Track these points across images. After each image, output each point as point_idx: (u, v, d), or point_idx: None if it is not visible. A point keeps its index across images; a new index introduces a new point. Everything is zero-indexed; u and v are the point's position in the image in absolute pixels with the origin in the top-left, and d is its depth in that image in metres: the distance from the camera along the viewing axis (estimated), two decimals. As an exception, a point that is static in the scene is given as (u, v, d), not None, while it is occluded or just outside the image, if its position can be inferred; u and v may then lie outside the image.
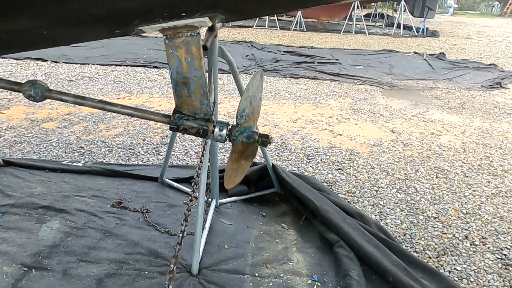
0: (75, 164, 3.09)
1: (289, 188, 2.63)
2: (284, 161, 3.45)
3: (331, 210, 2.44)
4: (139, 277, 1.95)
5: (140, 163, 3.25)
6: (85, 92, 5.15)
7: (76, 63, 6.63)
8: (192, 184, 1.41)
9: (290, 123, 4.41)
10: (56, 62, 6.67)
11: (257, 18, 14.51)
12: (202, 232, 2.25)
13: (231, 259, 2.14)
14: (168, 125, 1.08)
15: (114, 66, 6.69)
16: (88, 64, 6.67)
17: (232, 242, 2.29)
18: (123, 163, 3.21)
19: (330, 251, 2.22)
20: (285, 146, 3.75)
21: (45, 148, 3.42)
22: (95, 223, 2.36)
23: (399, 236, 2.45)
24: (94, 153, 3.38)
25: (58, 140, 3.60)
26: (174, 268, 1.15)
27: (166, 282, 1.12)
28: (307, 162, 3.45)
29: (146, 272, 1.99)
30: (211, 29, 1.66)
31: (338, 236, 2.26)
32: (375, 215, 2.67)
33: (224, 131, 1.12)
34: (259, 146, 1.21)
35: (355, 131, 4.26)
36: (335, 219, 2.35)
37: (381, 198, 2.88)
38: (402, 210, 2.74)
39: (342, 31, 13.72)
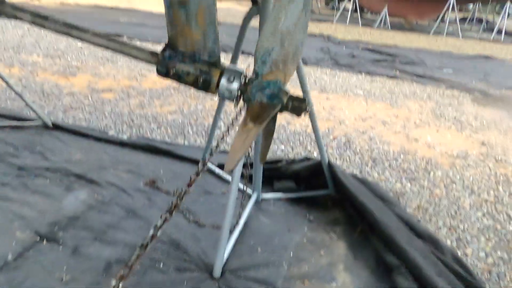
0: (119, 136, 2.94)
1: (345, 192, 2.20)
2: (345, 161, 2.99)
3: (395, 226, 1.97)
4: (152, 269, 1.67)
5: (186, 143, 3.02)
6: (150, 68, 5.10)
7: (148, 41, 6.69)
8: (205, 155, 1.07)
9: (359, 121, 3.90)
10: (131, 38, 6.79)
11: (339, 13, 13.84)
12: (233, 228, 1.93)
13: (263, 266, 1.77)
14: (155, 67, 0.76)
15: (184, 47, 6.63)
16: (160, 43, 6.68)
17: (267, 245, 1.92)
18: (169, 141, 3.00)
19: (387, 278, 1.76)
20: (349, 145, 3.28)
21: (97, 117, 3.34)
22: (122, 200, 2.15)
23: (482, 273, 1.90)
24: (143, 127, 3.22)
25: (112, 110, 3.50)
26: (132, 266, 0.82)
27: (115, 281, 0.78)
28: (372, 166, 2.95)
29: (161, 265, 1.70)
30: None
31: (399, 261, 1.78)
32: (451, 241, 2.13)
33: (235, 84, 0.75)
34: (308, 117, 0.84)
35: (436, 138, 3.64)
36: (399, 238, 1.88)
37: (461, 221, 2.32)
38: (489, 240, 2.16)
39: (432, 32, 12.54)
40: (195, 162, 2.64)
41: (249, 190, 2.28)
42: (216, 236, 1.90)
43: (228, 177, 2.48)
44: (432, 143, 3.49)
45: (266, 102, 0.75)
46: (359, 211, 2.10)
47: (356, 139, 3.43)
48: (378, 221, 1.96)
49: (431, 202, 2.51)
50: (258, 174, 2.18)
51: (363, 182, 2.34)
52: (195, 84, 0.73)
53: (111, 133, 2.98)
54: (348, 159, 3.02)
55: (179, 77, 0.75)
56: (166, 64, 0.75)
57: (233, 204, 1.67)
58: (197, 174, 0.97)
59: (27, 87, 3.88)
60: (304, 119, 3.77)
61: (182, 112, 3.63)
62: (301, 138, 3.32)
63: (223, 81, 0.74)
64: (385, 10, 12.93)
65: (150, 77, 4.67)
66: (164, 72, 0.75)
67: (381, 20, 13.16)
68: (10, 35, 6.35)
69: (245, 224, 2.04)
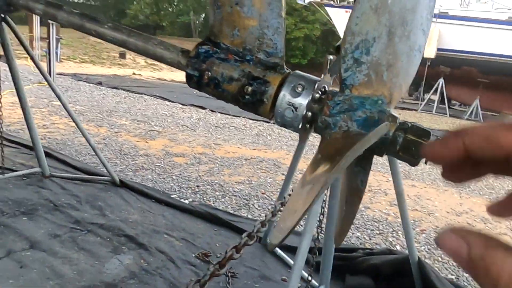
0: (182, 200, 2.78)
1: (441, 302, 1.69)
2: (436, 262, 2.44)
3: None
4: None
5: (249, 216, 2.74)
6: (225, 138, 5.10)
7: (229, 114, 6.89)
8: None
9: (452, 215, 3.32)
10: (213, 111, 7.06)
11: (423, 103, 13.37)
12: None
13: None
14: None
15: (262, 122, 6.68)
16: (240, 117, 6.84)
17: None
18: (232, 211, 2.75)
19: None
20: (441, 242, 2.72)
21: (164, 179, 3.26)
22: (167, 272, 1.88)
23: None
24: (207, 194, 3.04)
25: (180, 174, 3.42)
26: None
27: None
28: (472, 272, 2.36)
29: None
30: None
31: None
32: None
33: (304, 99, 0.45)
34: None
35: (556, 247, 2.89)
36: None
37: None
38: None
39: (533, 128, 11.33)
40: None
41: (314, 282, 1.88)
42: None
43: (290, 261, 2.11)
44: (552, 254, 2.77)
45: (356, 132, 0.46)
46: (461, 333, 1.56)
47: (450, 236, 2.86)
48: None
49: None
50: (327, 262, 1.79)
51: (465, 292, 1.80)
52: (239, 96, 0.48)
53: (174, 196, 2.84)
54: (440, 260, 2.46)
55: (216, 85, 0.49)
56: (200, 65, 0.49)
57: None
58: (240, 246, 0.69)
59: (107, 145, 4.03)
60: (383, 202, 3.31)
61: (250, 183, 3.43)
62: (380, 227, 2.86)
63: (285, 92, 0.46)
64: (476, 102, 12.20)
65: (224, 146, 4.64)
66: (196, 77, 0.50)
67: (471, 112, 12.37)
68: (108, 101, 7.00)
69: (306, 325, 1.62)
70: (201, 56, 0.50)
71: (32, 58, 2.50)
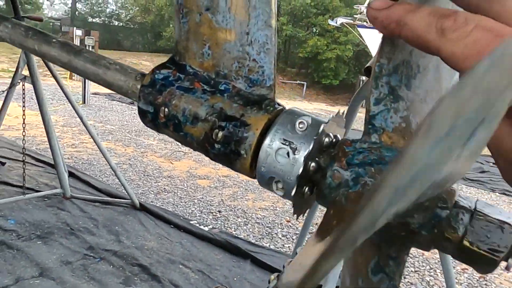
0: (201, 227, 2.65)
1: None
2: (481, 307, 2.17)
3: None
4: None
5: (272, 247, 2.57)
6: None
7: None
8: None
9: (497, 252, 3.00)
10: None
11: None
12: None
13: None
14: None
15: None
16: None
17: None
18: (253, 241, 2.59)
19: None
20: (485, 285, 2.44)
21: (185, 203, 3.16)
22: (179, 309, 1.74)
23: None
24: (229, 221, 2.90)
25: (202, 198, 3.31)
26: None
27: None
28: (525, 322, 2.07)
29: None
30: None
31: None
32: None
33: (301, 152, 0.26)
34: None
35: None
36: None
37: None
38: None
39: None
40: (278, 272, 2.15)
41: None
42: None
43: (316, 302, 1.91)
44: None
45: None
46: None
47: (496, 277, 2.56)
48: None
49: None
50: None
51: None
52: (206, 144, 0.31)
53: (193, 222, 2.72)
54: (486, 306, 2.19)
55: (176, 126, 0.32)
56: (155, 96, 0.34)
57: None
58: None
59: (132, 166, 4.00)
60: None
61: (274, 209, 3.26)
62: (416, 264, 2.60)
63: (270, 140, 0.28)
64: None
65: (250, 169, 4.52)
66: (150, 114, 0.33)
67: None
68: (138, 120, 7.07)
69: None
70: (157, 85, 0.34)
71: (55, 78, 2.52)
